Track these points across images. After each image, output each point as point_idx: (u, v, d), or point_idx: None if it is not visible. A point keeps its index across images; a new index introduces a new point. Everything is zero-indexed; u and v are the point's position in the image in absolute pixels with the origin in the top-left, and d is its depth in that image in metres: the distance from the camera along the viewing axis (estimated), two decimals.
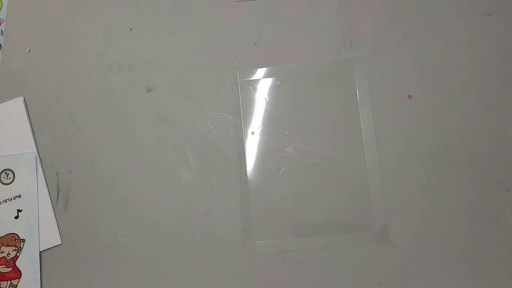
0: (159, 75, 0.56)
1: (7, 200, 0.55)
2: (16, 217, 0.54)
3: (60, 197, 0.54)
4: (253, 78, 0.54)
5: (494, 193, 0.50)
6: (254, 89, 0.54)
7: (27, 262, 0.53)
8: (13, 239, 0.53)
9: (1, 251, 0.53)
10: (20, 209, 0.54)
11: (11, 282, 0.53)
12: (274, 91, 0.54)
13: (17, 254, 0.53)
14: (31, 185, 0.55)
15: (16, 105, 0.57)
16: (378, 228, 0.49)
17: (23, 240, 0.53)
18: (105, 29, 0.58)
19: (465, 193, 0.50)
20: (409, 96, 0.52)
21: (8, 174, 0.55)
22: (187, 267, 0.51)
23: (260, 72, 0.54)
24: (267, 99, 0.54)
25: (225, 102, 0.54)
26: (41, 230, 0.54)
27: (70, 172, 0.55)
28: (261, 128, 0.53)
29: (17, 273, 0.53)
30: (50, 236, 0.53)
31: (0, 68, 0.59)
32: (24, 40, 0.59)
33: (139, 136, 0.54)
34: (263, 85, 0.54)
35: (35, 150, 0.56)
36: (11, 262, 0.53)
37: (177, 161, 0.53)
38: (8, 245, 0.53)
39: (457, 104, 0.52)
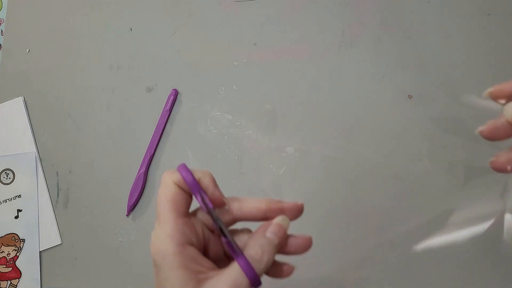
0: (159, 75, 0.56)
1: (7, 200, 0.55)
2: (16, 217, 0.54)
3: (60, 197, 0.54)
4: (253, 78, 0.54)
5: (494, 193, 0.50)
6: (254, 89, 0.54)
7: (27, 262, 0.53)
8: (13, 239, 0.53)
9: (1, 251, 0.53)
10: (20, 209, 0.54)
11: (11, 282, 0.53)
12: (274, 91, 0.54)
13: (17, 254, 0.53)
14: (31, 185, 0.55)
15: (16, 105, 0.57)
16: (378, 228, 0.49)
17: (23, 240, 0.53)
18: (105, 29, 0.58)
19: (465, 193, 0.50)
20: (410, 96, 0.52)
21: (8, 174, 0.55)
22: None
23: (260, 72, 0.54)
24: (267, 99, 0.54)
25: (225, 102, 0.54)
26: (41, 230, 0.54)
27: (70, 172, 0.55)
28: (261, 128, 0.53)
29: (17, 273, 0.53)
30: (50, 236, 0.53)
31: (0, 68, 0.59)
32: (24, 40, 0.59)
33: (139, 136, 0.54)
34: (263, 85, 0.54)
35: (35, 150, 0.56)
36: (11, 262, 0.53)
37: (177, 161, 0.53)
38: (8, 245, 0.53)
39: (457, 104, 0.52)
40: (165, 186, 0.28)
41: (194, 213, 0.30)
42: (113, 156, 0.54)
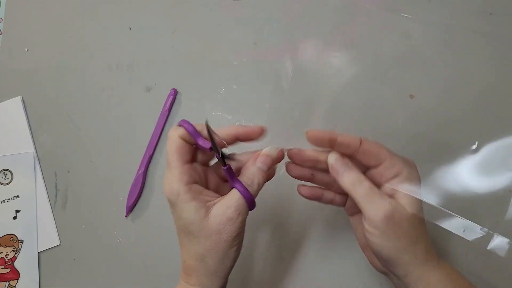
0: (159, 75, 0.56)
1: (5, 201, 0.54)
2: (15, 218, 0.54)
3: (58, 198, 0.54)
4: (253, 77, 0.54)
5: (494, 193, 0.50)
6: (254, 88, 0.54)
7: (26, 263, 0.52)
8: (11, 239, 0.53)
9: None
10: (19, 209, 0.54)
11: (9, 283, 0.52)
12: (274, 91, 0.54)
13: (16, 255, 0.53)
14: (30, 186, 0.54)
15: (15, 104, 0.57)
16: None
17: (22, 241, 0.53)
18: (105, 29, 0.58)
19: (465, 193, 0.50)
20: (411, 96, 0.52)
21: (6, 174, 0.55)
22: None
23: (260, 72, 0.54)
24: (267, 98, 0.54)
25: (225, 102, 0.54)
26: (40, 231, 0.53)
27: (68, 172, 0.55)
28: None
29: (16, 274, 0.52)
30: (49, 237, 0.53)
31: None
32: (23, 40, 0.59)
33: (138, 136, 0.54)
34: (263, 84, 0.54)
35: (33, 150, 0.55)
36: (10, 263, 0.53)
37: None
38: (7, 246, 0.53)
39: (458, 103, 0.52)
40: (172, 140, 0.35)
41: (195, 159, 0.37)
42: (112, 156, 0.54)
